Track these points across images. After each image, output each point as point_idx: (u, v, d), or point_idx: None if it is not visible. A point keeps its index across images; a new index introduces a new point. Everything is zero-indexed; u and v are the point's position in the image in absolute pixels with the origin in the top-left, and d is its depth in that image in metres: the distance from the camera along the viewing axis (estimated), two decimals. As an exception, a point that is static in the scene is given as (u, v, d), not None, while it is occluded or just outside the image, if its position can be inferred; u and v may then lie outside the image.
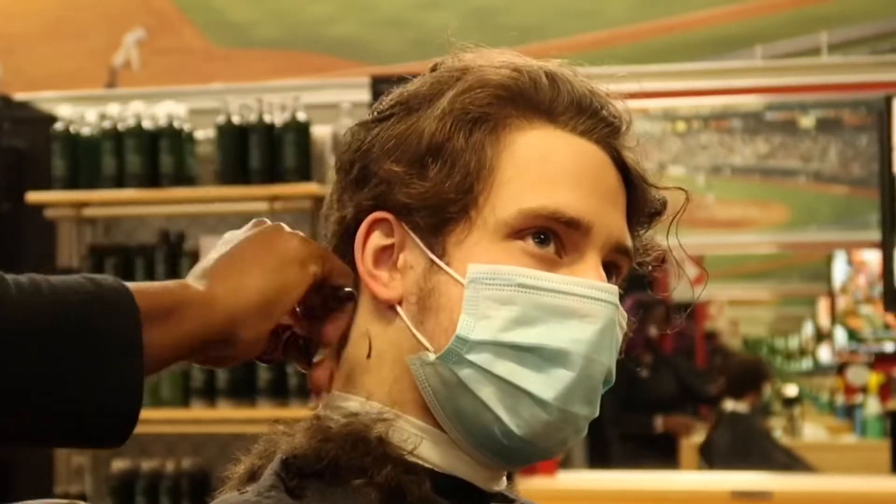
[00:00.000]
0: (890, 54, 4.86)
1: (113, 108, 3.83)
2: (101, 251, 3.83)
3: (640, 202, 0.95)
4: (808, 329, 12.68)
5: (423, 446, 0.89)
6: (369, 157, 0.92)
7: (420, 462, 0.88)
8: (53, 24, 5.64)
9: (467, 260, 0.88)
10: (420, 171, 0.89)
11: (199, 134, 3.87)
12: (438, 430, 0.89)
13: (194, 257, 3.79)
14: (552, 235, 0.89)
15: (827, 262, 8.69)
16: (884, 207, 4.25)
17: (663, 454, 6.15)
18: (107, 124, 3.81)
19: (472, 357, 0.86)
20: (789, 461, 5.63)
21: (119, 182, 3.77)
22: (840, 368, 9.23)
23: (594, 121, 0.92)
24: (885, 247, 4.23)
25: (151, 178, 3.77)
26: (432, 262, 0.89)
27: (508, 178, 0.89)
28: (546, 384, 0.86)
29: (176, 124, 3.79)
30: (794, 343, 14.87)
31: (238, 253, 0.89)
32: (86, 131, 3.83)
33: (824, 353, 11.23)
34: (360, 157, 0.92)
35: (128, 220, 4.07)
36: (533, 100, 0.91)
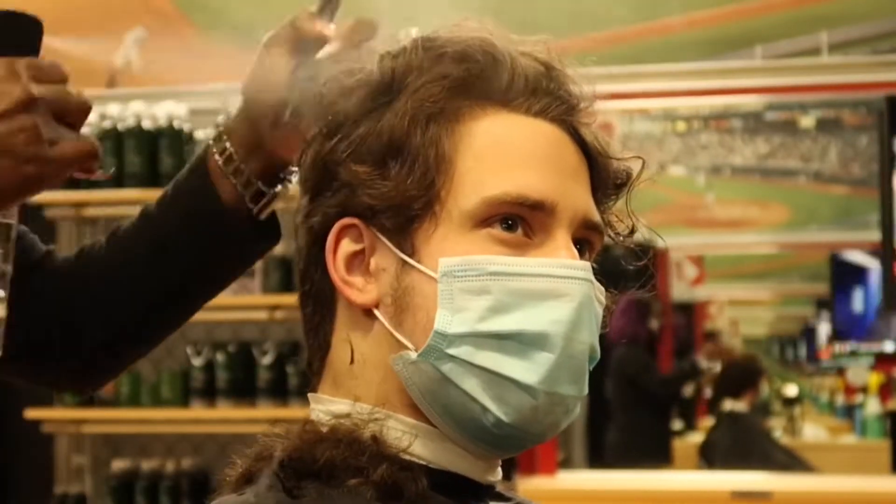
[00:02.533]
0: (890, 54, 4.85)
1: (113, 108, 3.83)
2: (101, 251, 3.84)
3: (603, 175, 0.94)
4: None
5: (417, 443, 0.88)
6: (331, 162, 0.91)
7: (415, 459, 0.88)
8: (53, 24, 5.64)
9: (437, 255, 0.87)
10: (381, 171, 0.89)
11: (199, 134, 3.87)
12: (430, 426, 0.89)
13: (194, 257, 3.79)
14: (518, 219, 0.88)
15: (827, 262, 8.69)
16: (884, 207, 4.25)
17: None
18: (107, 124, 3.81)
19: (452, 351, 0.86)
20: (789, 461, 5.63)
21: (119, 182, 3.77)
22: (840, 368, 9.24)
23: (548, 100, 0.91)
24: (885, 247, 4.23)
25: (151, 178, 3.76)
26: (403, 261, 0.89)
27: (468, 169, 0.89)
28: (529, 369, 0.86)
29: (176, 124, 3.79)
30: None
31: None
32: (85, 131, 3.83)
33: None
34: (322, 163, 0.92)
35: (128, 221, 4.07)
36: (484, 86, 0.90)
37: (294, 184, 1.12)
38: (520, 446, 0.91)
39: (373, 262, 0.90)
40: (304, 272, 0.95)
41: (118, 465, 3.81)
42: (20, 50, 0.90)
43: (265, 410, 3.68)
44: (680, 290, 8.67)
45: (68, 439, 4.00)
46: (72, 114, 0.90)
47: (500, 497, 0.95)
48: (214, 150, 1.16)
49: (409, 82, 0.90)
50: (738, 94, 4.55)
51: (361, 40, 1.09)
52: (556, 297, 0.87)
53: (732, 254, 10.43)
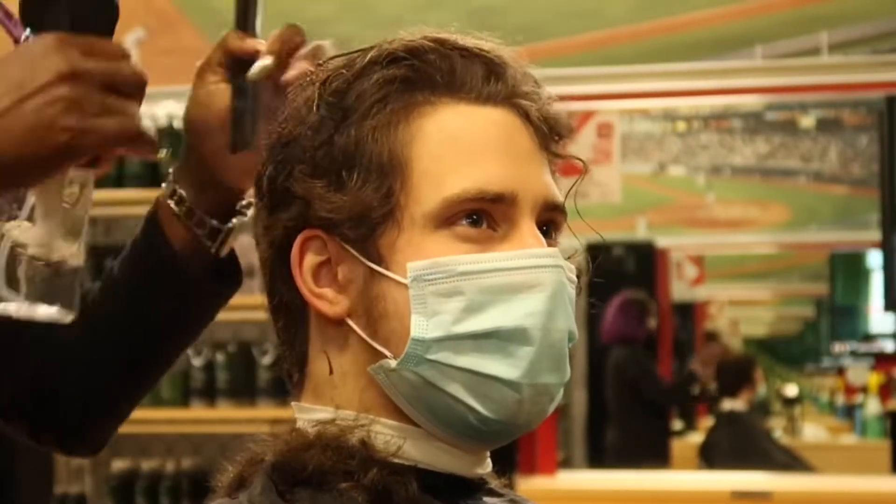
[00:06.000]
0: (890, 54, 4.86)
1: (113, 108, 3.83)
2: (101, 251, 3.83)
3: (556, 148, 0.94)
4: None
5: (405, 445, 0.88)
6: (286, 176, 0.90)
7: (404, 462, 0.88)
8: (53, 24, 5.64)
9: (404, 260, 0.87)
10: (337, 183, 0.88)
11: (199, 134, 3.87)
12: (415, 427, 0.89)
13: (194, 257, 3.79)
14: (482, 214, 0.88)
15: (827, 262, 8.70)
16: (884, 207, 4.25)
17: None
18: (107, 124, 3.81)
19: (432, 356, 0.86)
20: (789, 461, 5.63)
21: (119, 182, 3.77)
22: (840, 368, 9.24)
23: (493, 86, 0.90)
24: (885, 247, 4.24)
25: (151, 178, 3.76)
26: (371, 270, 0.88)
27: (424, 169, 0.88)
28: (510, 365, 0.86)
29: (176, 124, 3.79)
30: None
31: None
32: (86, 131, 3.83)
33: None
34: (278, 177, 0.91)
35: (128, 220, 4.07)
36: (427, 83, 0.90)
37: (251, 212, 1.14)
38: (508, 437, 0.91)
39: (340, 272, 0.89)
40: (271, 286, 0.94)
41: (118, 465, 3.81)
42: (93, 27, 0.90)
43: (265, 410, 3.68)
44: (680, 290, 8.67)
45: (68, 439, 4.01)
46: (124, 87, 0.88)
47: (493, 493, 0.95)
48: (167, 195, 1.17)
49: (351, 92, 0.90)
50: (738, 94, 4.55)
51: (292, 49, 1.11)
52: (528, 288, 0.87)
53: (732, 254, 10.43)
